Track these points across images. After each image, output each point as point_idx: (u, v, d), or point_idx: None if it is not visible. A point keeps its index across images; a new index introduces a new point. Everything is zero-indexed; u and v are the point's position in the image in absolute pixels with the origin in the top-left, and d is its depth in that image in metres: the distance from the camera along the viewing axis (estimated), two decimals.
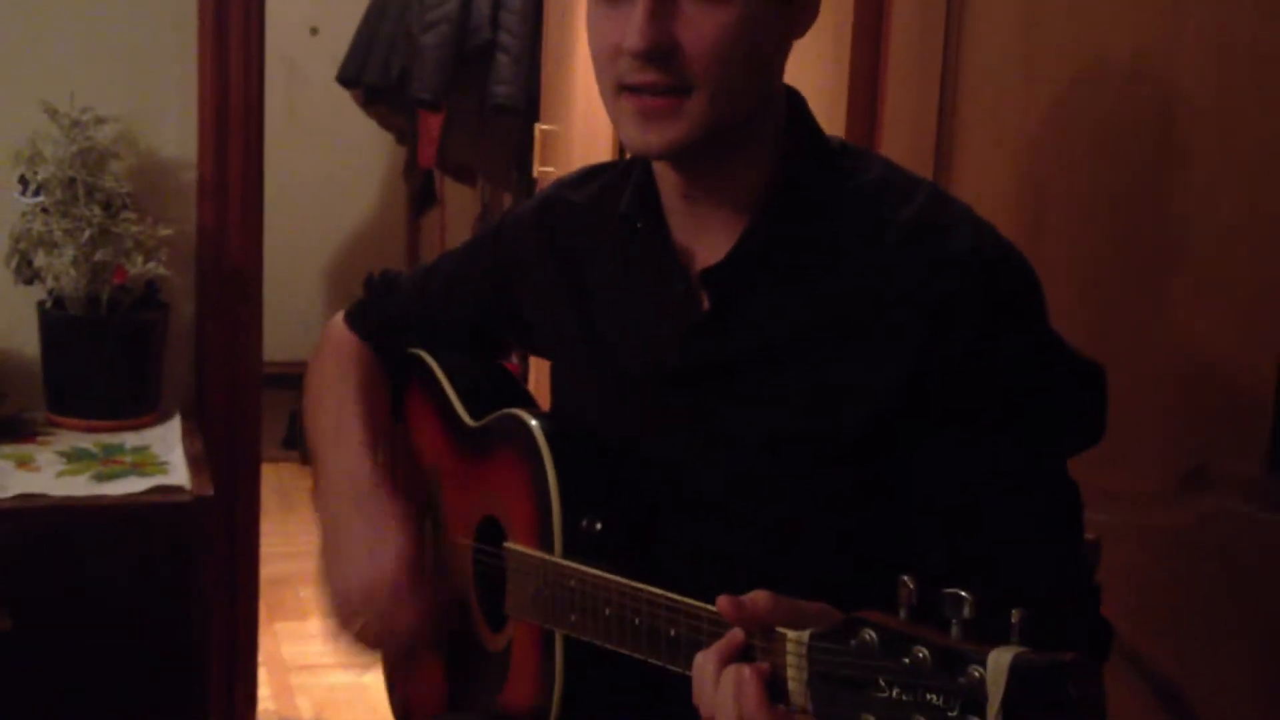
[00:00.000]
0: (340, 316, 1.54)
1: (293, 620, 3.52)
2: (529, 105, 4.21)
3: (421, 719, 1.48)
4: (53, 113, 2.20)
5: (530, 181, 4.35)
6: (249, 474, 2.43)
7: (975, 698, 0.79)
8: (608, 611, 1.11)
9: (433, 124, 4.38)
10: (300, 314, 4.74)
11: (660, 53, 1.08)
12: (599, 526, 1.19)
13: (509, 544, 1.27)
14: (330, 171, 4.95)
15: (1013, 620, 0.80)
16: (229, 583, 2.32)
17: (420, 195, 4.81)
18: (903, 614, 0.85)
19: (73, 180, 2.18)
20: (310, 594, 3.72)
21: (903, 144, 1.81)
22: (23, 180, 2.21)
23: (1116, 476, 1.33)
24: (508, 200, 4.62)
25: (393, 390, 1.51)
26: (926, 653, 0.82)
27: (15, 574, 1.92)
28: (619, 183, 1.26)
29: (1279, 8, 1.26)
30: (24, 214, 2.21)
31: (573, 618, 1.16)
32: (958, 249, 1.10)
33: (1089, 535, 1.20)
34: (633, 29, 1.07)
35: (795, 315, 1.14)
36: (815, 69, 1.85)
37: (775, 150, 1.17)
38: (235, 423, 2.39)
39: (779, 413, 1.14)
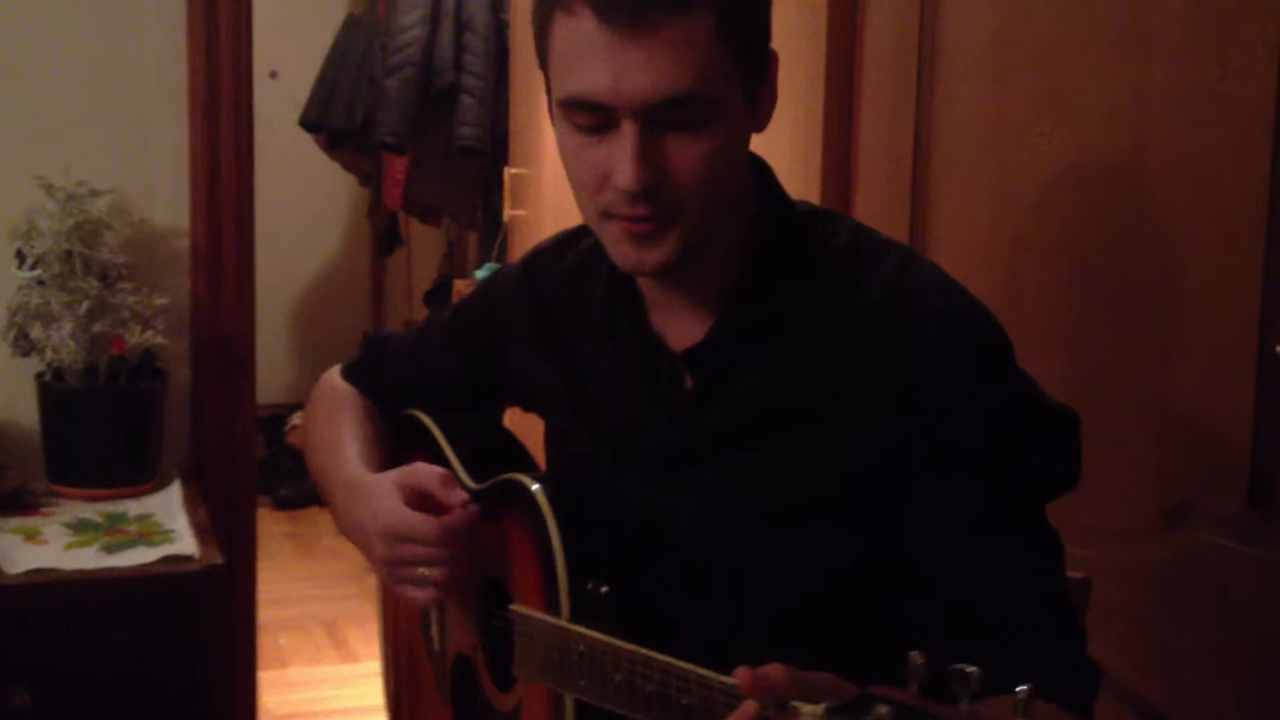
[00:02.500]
0: (335, 372, 1.56)
1: (274, 669, 3.54)
2: (494, 146, 4.26)
3: None
4: (48, 187, 2.22)
5: (496, 222, 4.39)
6: (245, 536, 2.46)
7: None
8: (618, 677, 1.12)
9: (397, 166, 4.41)
10: (266, 357, 4.75)
11: (650, 187, 1.09)
12: (605, 589, 1.20)
13: (515, 606, 1.28)
14: (293, 215, 4.96)
15: (1018, 696, 0.82)
16: (228, 641, 2.35)
17: (385, 236, 4.84)
18: (914, 688, 0.87)
19: (69, 253, 2.20)
20: (289, 640, 3.74)
21: (877, 197, 1.84)
22: (19, 254, 2.23)
23: (1101, 513, 1.37)
24: (473, 239, 4.66)
25: (391, 451, 1.52)
26: None
27: (30, 650, 1.94)
28: (599, 251, 1.26)
29: (1247, 57, 1.29)
30: (20, 288, 2.23)
31: (582, 682, 1.17)
32: (927, 311, 1.13)
33: (1078, 573, 1.24)
34: (624, 168, 1.09)
35: (776, 386, 1.17)
36: (789, 126, 1.89)
37: (745, 229, 1.20)
38: (232, 485, 2.42)
39: (767, 482, 1.17)
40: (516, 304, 1.38)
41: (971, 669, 0.84)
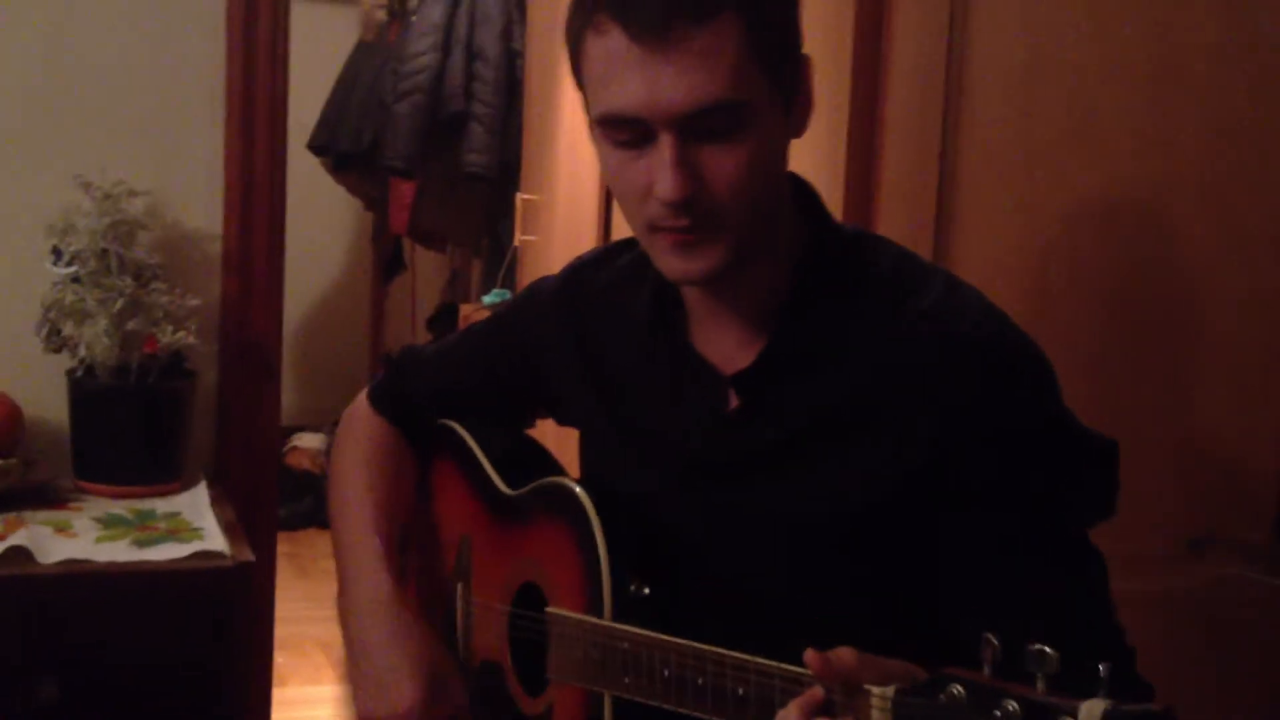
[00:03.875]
0: (364, 397, 1.57)
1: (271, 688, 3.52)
2: (501, 174, 4.30)
3: None
4: (86, 186, 2.24)
5: (501, 249, 4.43)
6: (267, 539, 2.47)
7: None
8: (666, 672, 1.13)
9: (405, 191, 4.45)
10: None
11: (691, 198, 1.11)
12: (647, 591, 1.22)
13: (551, 608, 1.30)
14: (295, 238, 4.95)
15: (1101, 674, 0.82)
16: (251, 639, 2.35)
17: (389, 262, 4.86)
18: (987, 670, 0.87)
19: (105, 251, 2.22)
20: (286, 660, 3.72)
21: (900, 222, 1.85)
22: (56, 251, 2.24)
23: (1125, 542, 1.35)
24: (477, 266, 4.69)
25: (421, 462, 1.55)
26: (1016, 706, 0.83)
27: (61, 642, 1.94)
28: (641, 266, 1.28)
29: (1276, 88, 1.31)
30: (55, 284, 2.25)
31: (626, 680, 1.18)
32: (970, 336, 1.15)
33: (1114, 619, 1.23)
34: (664, 180, 1.11)
35: (818, 405, 1.18)
36: (812, 145, 1.91)
37: (791, 247, 1.22)
38: (256, 489, 2.43)
39: (805, 498, 1.18)
40: (554, 315, 1.39)
41: (1049, 648, 0.84)
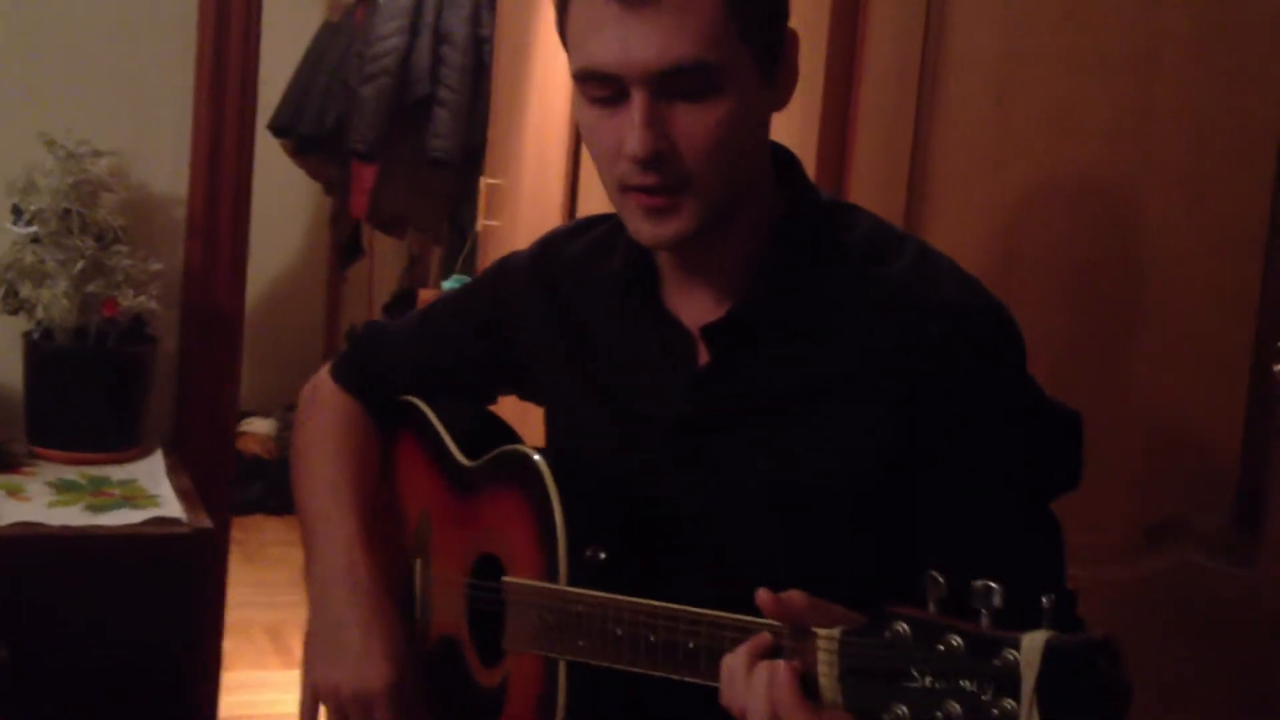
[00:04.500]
0: (326, 371, 1.54)
1: None
2: (465, 161, 4.27)
3: None
4: (50, 144, 2.19)
5: (462, 234, 4.39)
6: (222, 510, 2.42)
7: (1009, 679, 0.81)
8: (619, 632, 1.13)
9: (366, 175, 4.40)
10: None
11: (660, 156, 1.11)
12: (603, 556, 1.20)
13: (508, 578, 1.28)
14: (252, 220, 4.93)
15: (1044, 605, 0.83)
16: (206, 606, 2.31)
17: (347, 247, 4.81)
18: (932, 607, 0.87)
19: (67, 211, 2.17)
20: (231, 644, 3.66)
21: (871, 205, 1.74)
22: (16, 210, 2.19)
23: (1082, 531, 1.34)
24: (436, 253, 4.65)
25: (383, 438, 1.52)
26: (960, 640, 0.84)
27: (11, 605, 1.89)
28: (611, 237, 1.29)
29: (1252, 79, 1.31)
30: (14, 244, 2.20)
31: (580, 643, 1.17)
32: (942, 300, 1.15)
33: (1068, 586, 1.23)
34: (632, 136, 1.11)
35: (791, 367, 1.18)
36: (784, 130, 1.89)
37: (767, 212, 1.21)
38: (213, 458, 2.39)
39: (778, 460, 1.18)
40: (526, 286, 1.38)
41: (994, 584, 0.85)
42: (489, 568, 1.32)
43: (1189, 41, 1.38)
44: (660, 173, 1.12)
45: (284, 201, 4.98)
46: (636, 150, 1.11)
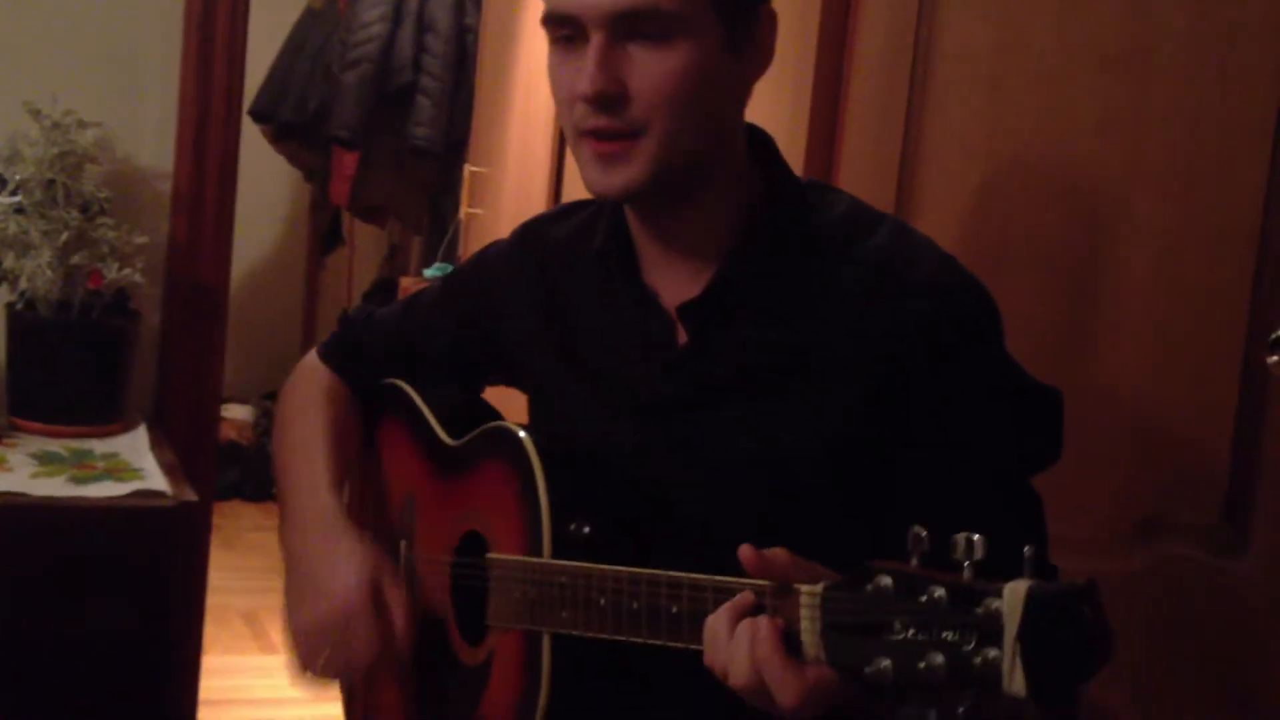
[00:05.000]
0: (314, 353, 1.54)
1: None
2: (447, 150, 4.26)
3: None
4: (35, 113, 2.18)
5: (443, 223, 4.38)
6: (205, 484, 2.41)
7: (992, 628, 0.80)
8: (602, 601, 1.12)
9: (347, 162, 4.38)
10: None
11: (609, 99, 1.12)
12: (587, 530, 1.20)
13: (492, 554, 1.27)
14: None
15: (1026, 555, 0.82)
16: (188, 580, 2.30)
17: (327, 235, 4.79)
18: (914, 562, 0.87)
19: (52, 182, 2.16)
20: (208, 629, 3.64)
21: (861, 196, 1.80)
22: (0, 179, 2.18)
23: (1070, 524, 1.35)
24: (417, 243, 4.64)
25: (368, 421, 1.51)
26: (943, 592, 0.84)
27: None
28: (593, 221, 1.30)
29: (1245, 75, 1.30)
30: None
31: (564, 614, 1.16)
32: (921, 276, 1.15)
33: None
34: (584, 76, 1.12)
35: (769, 345, 1.18)
36: (773, 122, 1.90)
37: (741, 190, 1.21)
38: (196, 435, 2.37)
39: (756, 437, 1.18)
40: (510, 269, 1.38)
41: (976, 536, 0.84)
42: (474, 545, 1.31)
43: (1182, 36, 1.37)
44: (611, 115, 1.13)
45: (263, 189, 4.95)
46: (586, 88, 1.11)
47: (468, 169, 3.73)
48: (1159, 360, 1.37)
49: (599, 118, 1.13)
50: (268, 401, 4.75)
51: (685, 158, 1.16)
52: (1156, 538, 1.36)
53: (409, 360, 1.48)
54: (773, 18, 1.20)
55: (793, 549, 1.11)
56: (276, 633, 3.71)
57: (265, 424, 4.70)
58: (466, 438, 1.36)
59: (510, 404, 1.44)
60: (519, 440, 1.24)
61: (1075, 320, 1.48)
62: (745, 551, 0.98)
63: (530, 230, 1.39)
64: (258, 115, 4.45)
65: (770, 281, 1.19)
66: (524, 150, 3.33)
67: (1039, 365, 1.22)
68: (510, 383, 1.44)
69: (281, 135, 4.50)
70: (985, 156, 1.62)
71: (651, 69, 1.12)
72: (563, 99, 1.17)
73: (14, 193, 2.16)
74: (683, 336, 1.22)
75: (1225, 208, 1.32)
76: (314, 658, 1.30)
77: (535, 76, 3.24)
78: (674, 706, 1.22)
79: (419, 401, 1.44)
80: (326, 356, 1.52)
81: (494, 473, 1.29)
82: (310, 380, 1.51)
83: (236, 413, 4.69)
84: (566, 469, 1.23)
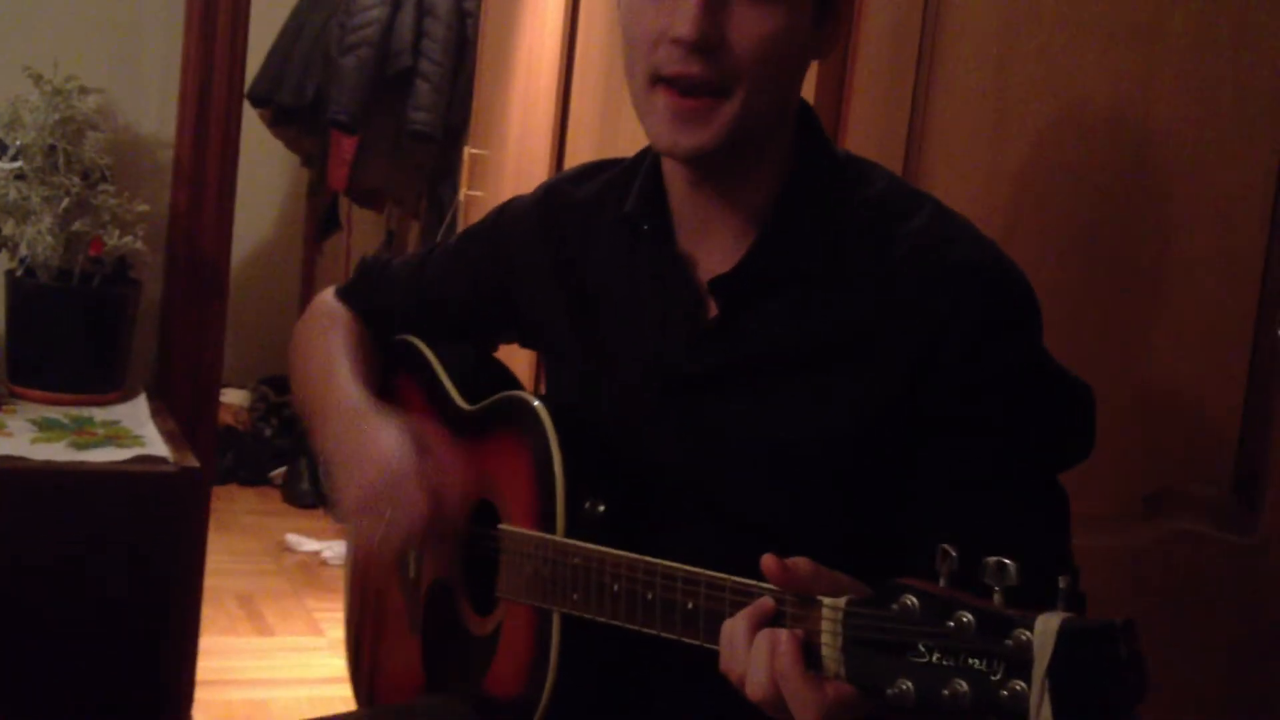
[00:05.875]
0: (329, 292, 1.52)
1: None
2: (446, 134, 4.24)
3: (391, 700, 1.45)
4: (36, 78, 2.16)
5: (441, 209, 4.36)
6: (205, 456, 2.38)
7: (1021, 660, 0.78)
8: (616, 588, 1.10)
9: (346, 147, 4.36)
10: None
11: (709, 45, 1.08)
12: (602, 509, 1.18)
13: (504, 526, 1.25)
14: None
15: (1060, 586, 0.80)
16: (189, 547, 2.27)
17: (324, 220, 4.76)
18: (942, 582, 0.85)
19: (53, 147, 2.14)
20: (203, 612, 3.63)
21: None
22: (1, 144, 2.16)
23: (1082, 499, 1.34)
24: (415, 228, 4.62)
25: (381, 376, 1.48)
26: (971, 617, 0.81)
27: None
28: (622, 181, 1.26)
29: (1257, 46, 1.31)
30: None
31: (575, 596, 1.14)
32: (959, 261, 1.12)
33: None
34: (684, 17, 1.07)
35: (800, 324, 1.15)
36: None
37: (786, 161, 1.18)
38: (196, 406, 2.35)
39: (781, 419, 1.15)
40: (528, 230, 1.34)
41: (1009, 561, 0.82)
42: (485, 514, 1.29)
43: (1193, 7, 1.36)
44: (704, 64, 1.09)
45: (260, 173, 4.91)
46: (689, 32, 1.07)
47: (468, 151, 3.71)
48: (1170, 334, 1.37)
49: (690, 63, 1.09)
50: (264, 386, 4.72)
51: (761, 125, 1.13)
52: (1166, 512, 1.36)
53: (423, 312, 1.45)
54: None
55: (814, 536, 1.10)
56: (271, 615, 3.69)
57: (261, 409, 4.68)
58: (482, 404, 1.33)
59: (513, 361, 1.41)
60: (536, 413, 1.22)
61: (1085, 295, 1.47)
62: (768, 561, 0.94)
63: (552, 190, 1.36)
64: (256, 99, 4.43)
65: (807, 259, 1.16)
66: (525, 132, 3.32)
67: (1047, 339, 1.20)
68: (524, 344, 1.42)
69: (279, 119, 4.48)
70: (994, 131, 1.60)
71: (752, 24, 1.08)
72: (644, 38, 1.11)
73: (15, 158, 2.14)
74: (712, 311, 1.19)
75: (1237, 179, 1.32)
76: (373, 531, 1.25)
77: (536, 59, 3.22)
78: (680, 698, 1.20)
79: (433, 360, 1.42)
80: (345, 298, 1.49)
81: (509, 444, 1.26)
82: (329, 313, 1.48)
83: (232, 397, 4.66)
84: (583, 445, 1.20)
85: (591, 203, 1.30)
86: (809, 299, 1.15)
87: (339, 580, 3.98)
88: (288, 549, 4.13)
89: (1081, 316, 1.46)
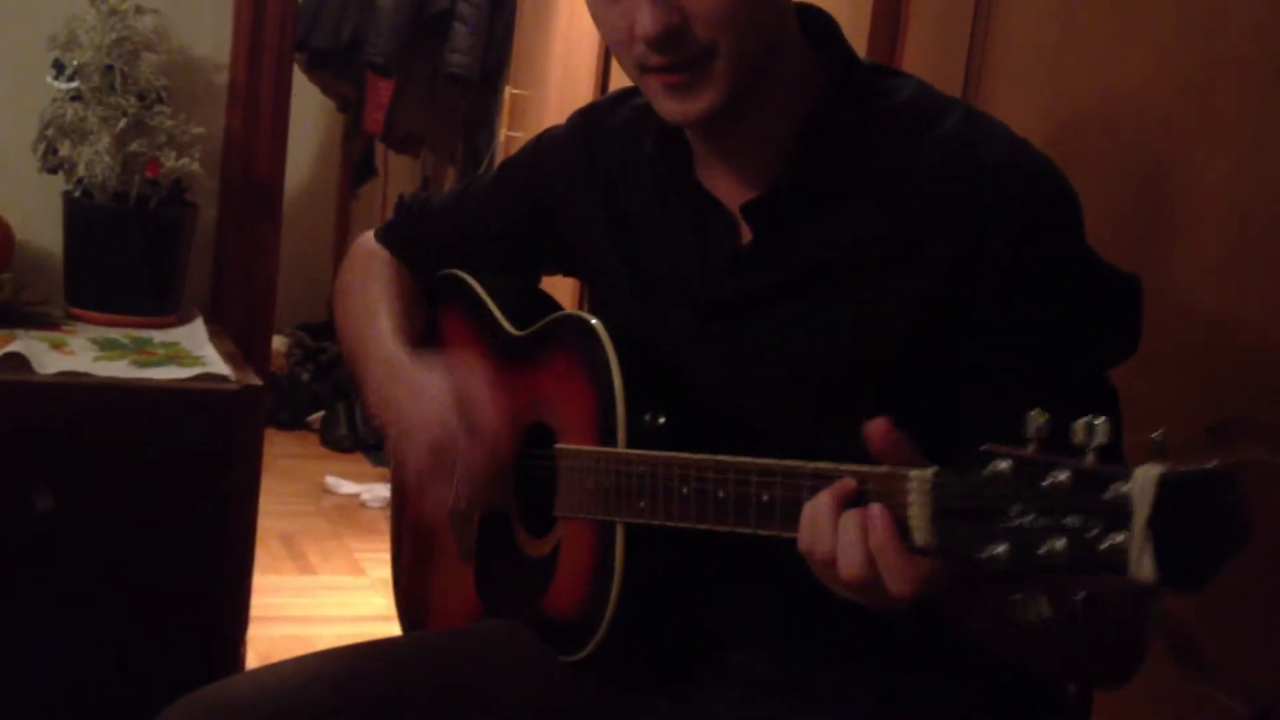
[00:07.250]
0: (369, 235, 1.53)
1: None
2: (483, 79, 4.22)
3: (443, 626, 1.45)
4: None
5: (477, 155, 4.35)
6: (262, 379, 2.38)
7: (1120, 513, 0.76)
8: (685, 490, 1.10)
9: (383, 90, 4.35)
10: None
11: (675, 30, 1.08)
12: (662, 421, 1.18)
13: (561, 445, 1.25)
14: None
15: (1155, 439, 0.78)
16: (248, 466, 2.28)
17: (359, 166, 4.75)
18: (1032, 448, 0.83)
19: (110, 68, 2.12)
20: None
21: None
22: (57, 64, 2.14)
23: (1140, 429, 1.34)
24: (450, 174, 4.60)
25: (425, 317, 1.49)
26: (1066, 475, 0.79)
27: (58, 454, 1.86)
28: (649, 109, 1.25)
29: None
30: (54, 100, 2.15)
31: (641, 504, 1.14)
32: (993, 161, 1.10)
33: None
34: (643, 16, 1.08)
35: (836, 240, 1.14)
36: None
37: (802, 80, 1.17)
38: (250, 331, 2.35)
39: (823, 336, 1.14)
40: (566, 157, 1.34)
41: (1099, 419, 0.80)
42: (538, 436, 1.29)
43: None
44: (675, 50, 1.09)
45: (295, 118, 4.91)
46: (647, 28, 1.08)
47: (508, 91, 3.69)
48: (1231, 264, 1.34)
49: (665, 53, 1.09)
50: (301, 332, 4.72)
51: (756, 69, 1.12)
52: (1231, 442, 1.32)
53: (465, 244, 1.45)
54: None
55: (859, 453, 1.07)
56: (314, 555, 3.70)
57: (299, 354, 4.68)
58: (533, 327, 1.33)
59: (560, 293, 1.40)
60: (593, 329, 1.21)
61: (1144, 228, 1.44)
62: (879, 425, 0.93)
63: (589, 115, 1.35)
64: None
65: (837, 174, 1.15)
66: (566, 72, 3.30)
67: (1109, 255, 1.17)
68: (569, 272, 1.42)
69: (315, 63, 4.46)
70: (1054, 65, 1.57)
71: None
72: (618, 40, 1.12)
73: (71, 78, 2.12)
74: (746, 235, 1.19)
75: None
76: (441, 501, 1.29)
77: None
78: (742, 608, 1.20)
79: (481, 291, 1.42)
80: (385, 239, 1.50)
81: (564, 362, 1.26)
82: (370, 257, 1.49)
83: (270, 342, 4.68)
84: (640, 359, 1.20)
85: (621, 130, 1.30)
86: (842, 215, 1.14)
87: (379, 522, 4.00)
88: (327, 491, 4.15)
89: (1140, 249, 1.43)
